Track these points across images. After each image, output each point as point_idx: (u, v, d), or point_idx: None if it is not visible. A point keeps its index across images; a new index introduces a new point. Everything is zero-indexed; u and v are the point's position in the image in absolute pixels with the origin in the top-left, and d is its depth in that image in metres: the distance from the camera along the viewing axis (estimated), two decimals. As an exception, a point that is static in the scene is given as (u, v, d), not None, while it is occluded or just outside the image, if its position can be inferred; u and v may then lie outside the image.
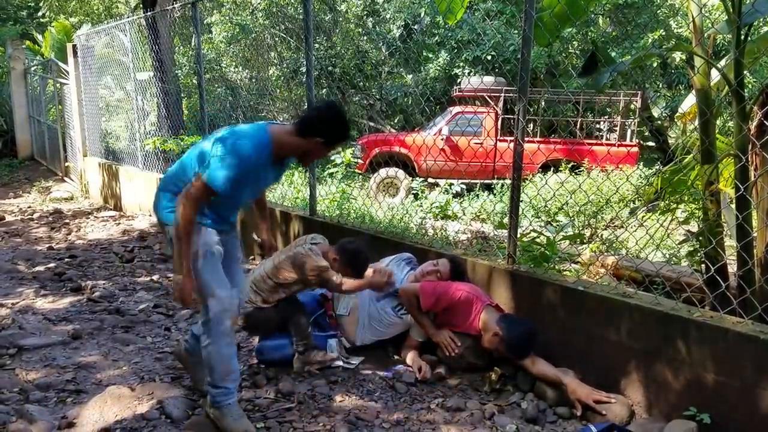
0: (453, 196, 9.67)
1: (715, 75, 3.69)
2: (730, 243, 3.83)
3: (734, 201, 3.32)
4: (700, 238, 3.65)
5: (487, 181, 10.56)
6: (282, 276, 3.41)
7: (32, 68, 14.79)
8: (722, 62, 3.80)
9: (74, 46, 10.13)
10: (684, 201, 4.39)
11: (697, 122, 3.53)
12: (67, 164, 12.06)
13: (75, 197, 10.53)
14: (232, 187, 2.65)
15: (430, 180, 10.57)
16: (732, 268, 3.67)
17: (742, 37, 3.15)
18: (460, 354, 3.40)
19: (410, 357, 3.60)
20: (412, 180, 10.53)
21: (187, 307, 3.18)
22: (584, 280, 3.51)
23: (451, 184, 10.05)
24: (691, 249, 4.04)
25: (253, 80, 16.52)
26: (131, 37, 8.26)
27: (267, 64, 16.59)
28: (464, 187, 10.19)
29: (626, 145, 11.41)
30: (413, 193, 10.01)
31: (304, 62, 4.99)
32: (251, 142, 2.66)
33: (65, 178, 12.21)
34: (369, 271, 3.54)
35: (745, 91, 3.24)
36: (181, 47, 14.18)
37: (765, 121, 3.04)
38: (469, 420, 2.97)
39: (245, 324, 3.57)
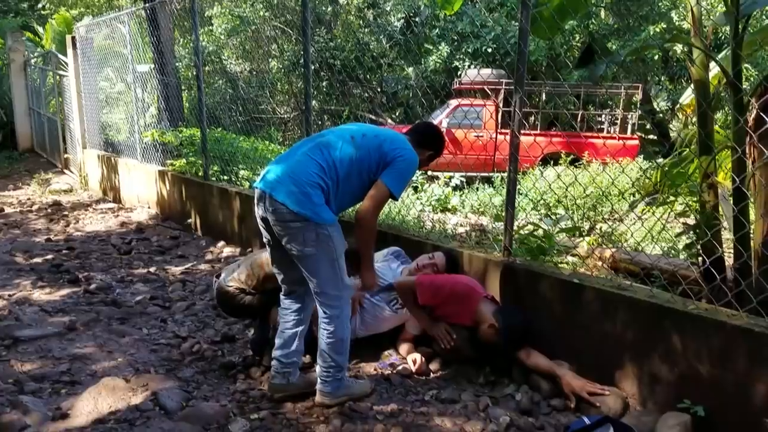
0: (453, 189, 9.65)
1: (715, 68, 3.67)
2: (729, 236, 3.81)
3: (732, 193, 3.30)
4: (697, 230, 3.64)
5: (486, 174, 10.54)
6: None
7: (32, 60, 14.76)
8: (722, 54, 3.78)
9: (73, 38, 10.10)
10: (682, 194, 4.38)
11: (695, 114, 3.52)
12: (66, 156, 12.05)
13: (74, 189, 10.53)
14: None
15: (430, 173, 10.54)
16: (729, 260, 3.66)
17: (740, 28, 3.13)
18: (456, 346, 3.39)
19: (405, 349, 3.60)
20: (412, 173, 10.48)
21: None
22: (580, 272, 3.51)
23: (450, 177, 10.03)
24: (689, 241, 4.02)
25: (253, 73, 16.49)
26: (131, 29, 8.23)
27: (267, 56, 16.55)
28: (464, 180, 10.17)
29: (626, 138, 11.38)
30: (413, 186, 9.99)
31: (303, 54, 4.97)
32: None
33: (65, 170, 12.21)
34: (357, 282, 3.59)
35: (747, 83, 3.22)
36: (181, 39, 14.14)
37: (762, 114, 3.01)
38: (463, 412, 2.97)
39: (223, 302, 3.62)
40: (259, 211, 2.88)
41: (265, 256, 3.45)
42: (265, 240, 3.00)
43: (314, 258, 2.80)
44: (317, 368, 3.01)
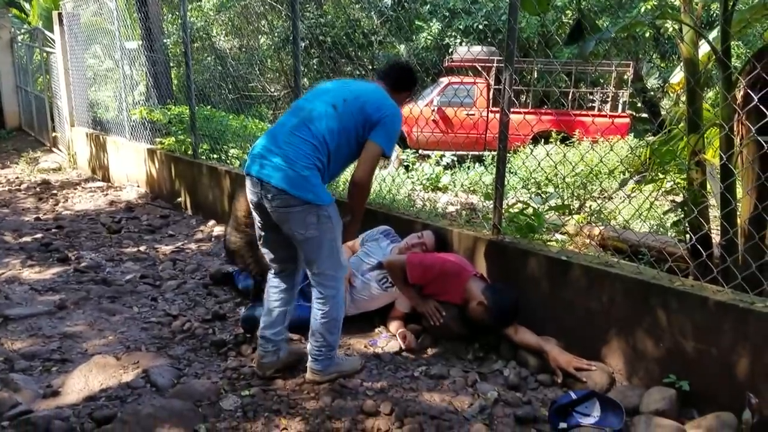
0: (444, 168, 9.65)
1: (705, 45, 3.66)
2: (716, 213, 3.84)
3: (719, 170, 3.32)
4: (685, 207, 3.66)
5: (478, 153, 10.53)
6: None
7: (19, 37, 14.55)
8: (714, 33, 3.77)
9: (60, 15, 9.95)
10: (671, 171, 4.40)
11: (685, 92, 3.52)
12: (54, 134, 11.94)
13: (63, 168, 10.45)
14: None
15: (422, 152, 10.53)
16: (716, 237, 3.69)
17: (730, 5, 3.13)
18: (445, 323, 3.42)
19: (395, 327, 3.63)
20: (403, 151, 10.48)
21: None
22: (568, 250, 3.53)
23: (442, 156, 10.02)
24: (676, 219, 4.05)
25: (243, 49, 16.32)
26: (118, 4, 8.11)
27: (257, 32, 16.38)
28: (455, 158, 10.17)
29: (617, 116, 11.38)
30: (404, 165, 9.99)
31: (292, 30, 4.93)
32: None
33: (53, 149, 12.10)
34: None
35: (738, 60, 3.22)
36: (170, 15, 13.96)
37: (749, 91, 3.02)
38: (452, 387, 3.01)
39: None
40: (253, 198, 2.85)
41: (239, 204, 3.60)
42: (258, 224, 2.98)
43: (316, 240, 2.80)
44: (308, 346, 3.03)
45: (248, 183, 2.87)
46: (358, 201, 2.96)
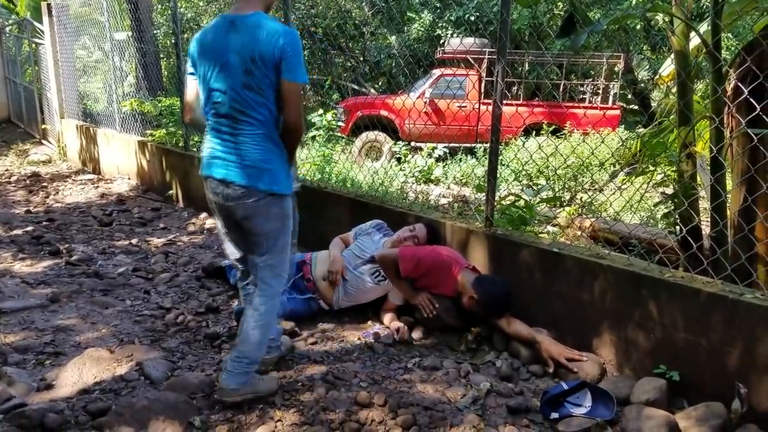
0: (436, 161, 9.66)
1: (696, 38, 3.68)
2: (706, 205, 3.87)
3: (709, 163, 3.35)
4: (675, 199, 3.69)
5: (470, 145, 10.54)
6: None
7: (7, 28, 14.41)
8: (704, 25, 3.79)
9: (49, 5, 9.86)
10: (661, 163, 4.43)
11: (674, 84, 3.54)
12: (44, 126, 11.85)
13: (53, 160, 10.38)
14: None
15: (414, 144, 10.52)
16: (706, 229, 3.73)
17: (721, -2, 3.15)
18: (438, 315, 3.44)
19: (388, 319, 3.65)
20: (395, 143, 10.48)
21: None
22: (559, 242, 3.56)
23: (434, 148, 10.03)
24: (666, 211, 4.08)
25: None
26: (107, -5, 8.05)
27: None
28: (447, 151, 10.17)
29: (607, 108, 11.41)
30: (396, 157, 9.99)
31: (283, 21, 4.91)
32: None
33: (43, 141, 12.02)
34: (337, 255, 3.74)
35: (728, 52, 3.24)
36: (159, 6, 13.87)
37: (739, 84, 3.05)
38: (445, 378, 3.03)
39: None
40: (217, 200, 2.77)
41: None
42: (221, 224, 2.92)
43: (275, 232, 2.73)
44: (227, 357, 2.81)
45: (211, 185, 2.76)
46: (294, 145, 2.79)
